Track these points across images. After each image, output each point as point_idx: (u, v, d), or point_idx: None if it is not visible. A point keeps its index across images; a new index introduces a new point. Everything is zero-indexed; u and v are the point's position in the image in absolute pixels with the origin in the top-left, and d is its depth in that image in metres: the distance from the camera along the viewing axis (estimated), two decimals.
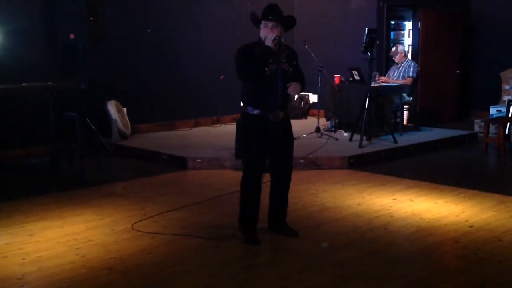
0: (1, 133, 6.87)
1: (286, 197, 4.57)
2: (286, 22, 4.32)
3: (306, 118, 10.58)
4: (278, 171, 4.46)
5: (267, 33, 4.18)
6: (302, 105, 10.76)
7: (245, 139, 4.42)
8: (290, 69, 4.31)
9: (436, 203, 5.46)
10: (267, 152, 4.35)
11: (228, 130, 8.63)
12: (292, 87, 4.23)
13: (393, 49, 9.11)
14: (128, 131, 8.51)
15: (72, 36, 7.21)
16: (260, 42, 4.25)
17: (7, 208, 5.28)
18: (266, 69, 4.20)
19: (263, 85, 4.23)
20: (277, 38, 4.17)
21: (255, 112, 4.27)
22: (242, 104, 4.39)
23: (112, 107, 8.28)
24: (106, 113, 8.23)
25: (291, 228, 4.56)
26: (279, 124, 4.31)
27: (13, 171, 6.94)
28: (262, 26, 4.24)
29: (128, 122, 8.57)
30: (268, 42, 4.16)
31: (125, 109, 8.58)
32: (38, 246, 4.31)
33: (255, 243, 4.33)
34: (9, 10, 7.32)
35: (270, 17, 4.20)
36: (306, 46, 8.45)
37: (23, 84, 6.49)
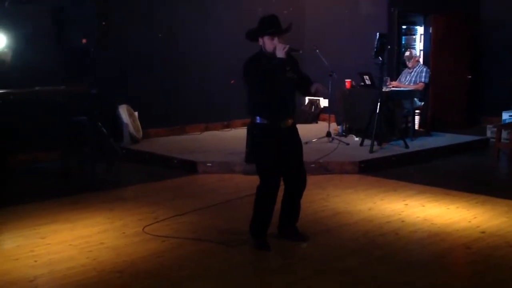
0: (13, 136, 6.91)
1: (299, 203, 4.56)
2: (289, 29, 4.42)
3: (317, 122, 10.56)
4: (292, 177, 4.45)
5: (277, 45, 4.19)
6: (312, 110, 10.76)
7: (258, 148, 4.40)
8: (295, 76, 4.35)
9: (447, 208, 5.42)
10: (280, 158, 4.33)
11: (238, 134, 8.64)
12: (317, 87, 4.32)
13: (407, 53, 9.07)
14: (139, 135, 8.55)
15: (84, 40, 7.28)
16: (265, 54, 4.26)
17: (19, 211, 5.32)
18: (278, 78, 4.22)
19: (273, 95, 4.24)
20: (289, 49, 4.21)
21: (265, 121, 4.28)
22: (250, 114, 4.37)
23: (123, 111, 8.32)
24: (118, 117, 8.27)
25: (301, 233, 4.55)
26: (289, 130, 4.34)
27: (25, 175, 6.99)
28: (267, 39, 4.24)
29: (139, 126, 8.61)
30: (282, 54, 4.16)
31: (136, 113, 8.61)
32: (49, 248, 4.33)
33: (265, 248, 4.32)
34: (20, 15, 7.38)
35: (281, 31, 4.26)
36: (317, 51, 8.46)
37: (36, 88, 6.54)
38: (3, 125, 6.27)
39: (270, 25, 4.26)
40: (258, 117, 4.30)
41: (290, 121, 4.35)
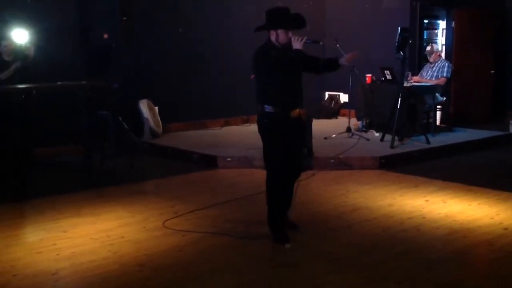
0: (36, 131, 7.00)
1: (292, 192, 4.62)
2: None
3: (337, 118, 10.52)
4: (291, 168, 4.46)
5: (293, 36, 4.27)
6: (332, 105, 10.71)
7: (267, 138, 4.43)
8: (301, 65, 4.38)
9: (469, 205, 5.36)
10: (286, 149, 4.40)
11: (257, 129, 8.61)
12: (348, 56, 4.46)
13: (428, 48, 8.97)
14: (160, 130, 8.59)
15: (105, 36, 7.33)
16: (275, 45, 4.29)
17: (42, 204, 5.39)
18: (290, 67, 4.30)
19: (284, 85, 4.29)
20: (310, 39, 4.29)
21: (274, 110, 4.30)
22: (260, 103, 4.38)
23: (144, 106, 8.37)
24: (138, 112, 8.32)
25: (291, 221, 4.61)
26: (296, 120, 4.36)
27: (47, 169, 7.08)
28: (281, 32, 4.27)
29: (160, 121, 8.66)
30: (300, 46, 4.24)
31: (156, 108, 8.66)
32: (71, 242, 4.39)
33: (286, 241, 4.33)
34: (43, 10, 7.46)
35: (303, 25, 4.32)
36: (338, 45, 8.40)
37: (58, 83, 6.61)
38: (26, 119, 6.35)
39: (285, 18, 4.29)
40: (267, 106, 4.32)
41: (297, 111, 4.35)
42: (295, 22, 4.31)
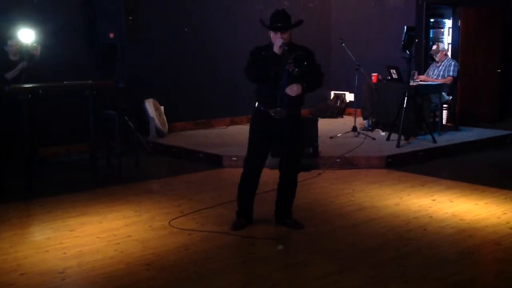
0: (42, 130, 7.02)
1: (290, 195, 4.67)
2: (293, 25, 4.44)
3: (342, 117, 10.50)
4: (281, 169, 4.63)
5: (275, 40, 4.34)
6: (338, 104, 10.69)
7: (250, 132, 4.64)
8: (296, 69, 4.38)
9: (476, 204, 5.34)
10: (269, 147, 4.59)
11: None
12: (289, 88, 4.34)
13: (434, 47, 8.94)
14: (165, 129, 8.60)
15: (111, 35, 7.35)
16: (270, 45, 4.41)
17: (49, 203, 5.41)
18: (270, 70, 4.36)
19: (268, 84, 4.42)
20: (283, 46, 4.29)
21: (261, 108, 4.49)
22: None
23: (149, 105, 8.38)
24: (144, 111, 8.33)
25: (297, 221, 4.67)
26: (282, 121, 4.39)
27: (54, 168, 7.10)
28: (272, 32, 4.39)
29: (165, 120, 8.67)
30: (276, 49, 4.31)
31: (162, 107, 8.67)
32: (78, 241, 4.40)
33: (234, 227, 4.56)
34: (49, 9, 7.49)
35: (279, 25, 4.34)
36: (343, 44, 8.40)
37: (65, 82, 6.63)
38: (32, 119, 6.37)
39: (272, 18, 4.39)
40: (257, 103, 4.55)
41: (283, 112, 4.36)
42: (273, 23, 4.36)
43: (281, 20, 4.36)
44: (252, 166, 4.61)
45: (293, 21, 4.43)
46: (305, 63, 4.44)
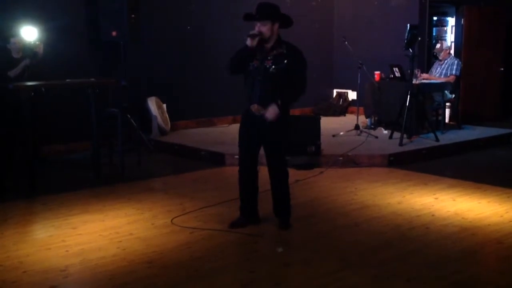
0: (45, 128, 7.04)
1: (279, 193, 4.59)
2: (277, 19, 4.33)
3: (345, 115, 10.50)
4: (268, 169, 4.56)
5: (253, 32, 4.30)
6: (341, 102, 10.68)
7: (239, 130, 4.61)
8: (273, 66, 4.28)
9: (479, 203, 5.33)
10: (257, 145, 4.50)
11: None
12: (268, 114, 4.25)
13: (438, 45, 8.93)
14: (168, 127, 8.60)
15: (114, 33, 7.34)
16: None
17: (51, 202, 5.41)
18: (251, 64, 4.32)
19: (246, 81, 4.40)
20: (256, 37, 4.23)
21: (246, 105, 4.44)
22: None
23: (152, 104, 8.38)
24: (146, 110, 8.34)
25: (284, 223, 4.59)
26: (257, 118, 4.35)
27: (56, 166, 7.11)
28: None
29: (168, 119, 8.67)
30: (248, 41, 4.25)
31: (164, 106, 8.67)
32: (80, 239, 4.40)
33: (231, 225, 4.56)
34: (52, 8, 7.49)
35: (257, 16, 4.31)
36: (346, 42, 8.39)
37: (67, 80, 6.63)
38: (35, 117, 6.38)
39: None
40: (245, 101, 4.48)
41: (260, 109, 4.31)
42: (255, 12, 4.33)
43: (258, 12, 4.28)
44: (242, 164, 4.56)
45: (280, 17, 4.32)
46: (285, 61, 4.29)
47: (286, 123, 4.44)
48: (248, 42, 4.23)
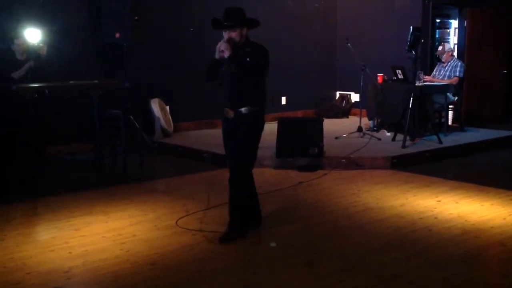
0: (48, 129, 7.05)
1: (232, 198, 4.48)
2: (244, 24, 4.44)
3: (348, 117, 10.49)
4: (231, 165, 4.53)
5: (224, 40, 4.38)
6: (343, 104, 10.68)
7: None
8: (234, 65, 4.32)
9: (482, 205, 5.32)
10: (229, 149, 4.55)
11: (268, 129, 8.61)
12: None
13: (440, 48, 8.92)
14: (171, 129, 8.62)
15: (117, 35, 7.35)
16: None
17: (54, 203, 5.43)
18: (219, 69, 4.40)
19: (223, 83, 4.51)
20: (228, 44, 4.31)
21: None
22: None
23: (155, 105, 8.40)
24: (149, 111, 8.35)
25: (230, 232, 4.43)
26: (230, 121, 4.46)
27: (59, 167, 7.12)
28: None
29: (171, 120, 8.68)
30: (216, 54, 4.32)
31: (167, 107, 8.69)
32: (83, 240, 4.41)
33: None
34: (55, 9, 7.52)
35: (225, 24, 4.38)
36: (349, 44, 8.39)
37: (71, 82, 6.65)
38: (38, 118, 6.40)
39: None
40: None
41: (229, 112, 4.44)
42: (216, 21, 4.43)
43: (225, 18, 4.35)
44: (228, 165, 4.57)
45: (247, 22, 4.43)
46: (248, 59, 4.32)
47: (251, 125, 4.42)
48: (226, 54, 4.25)
